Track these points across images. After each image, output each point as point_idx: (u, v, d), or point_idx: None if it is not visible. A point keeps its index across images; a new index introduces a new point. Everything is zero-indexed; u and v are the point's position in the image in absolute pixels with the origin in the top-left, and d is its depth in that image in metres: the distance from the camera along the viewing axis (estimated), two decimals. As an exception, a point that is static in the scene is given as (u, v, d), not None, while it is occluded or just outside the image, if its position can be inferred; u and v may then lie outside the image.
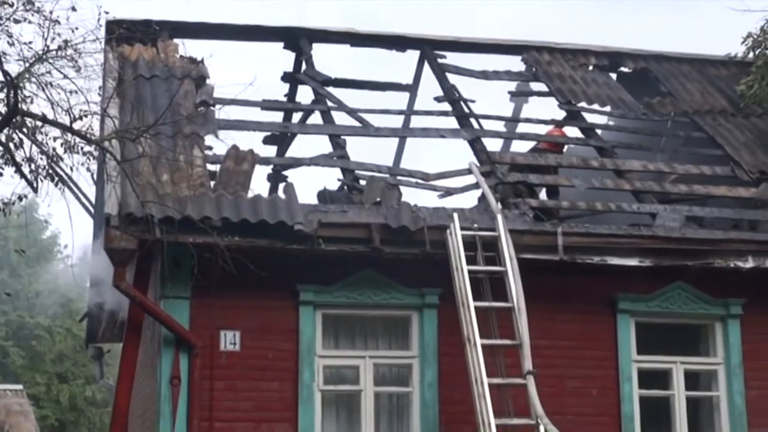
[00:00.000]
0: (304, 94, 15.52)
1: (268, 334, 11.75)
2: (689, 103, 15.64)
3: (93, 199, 13.84)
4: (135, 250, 11.26)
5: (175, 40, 14.93)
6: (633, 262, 12.30)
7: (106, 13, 11.84)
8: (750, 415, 12.73)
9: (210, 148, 12.83)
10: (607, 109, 15.30)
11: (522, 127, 15.21)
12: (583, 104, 15.18)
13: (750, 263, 12.54)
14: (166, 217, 11.04)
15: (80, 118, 11.30)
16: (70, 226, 12.11)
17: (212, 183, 12.14)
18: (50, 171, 11.63)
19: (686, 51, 17.10)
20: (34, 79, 11.31)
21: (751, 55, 15.43)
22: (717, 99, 15.91)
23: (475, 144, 13.94)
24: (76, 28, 11.43)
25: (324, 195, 12.92)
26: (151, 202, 11.13)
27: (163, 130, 12.23)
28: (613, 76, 16.44)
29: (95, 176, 12.81)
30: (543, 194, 15.36)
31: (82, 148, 11.43)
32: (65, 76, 11.33)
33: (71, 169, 11.61)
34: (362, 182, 12.83)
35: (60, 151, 11.42)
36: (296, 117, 15.52)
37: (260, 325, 11.74)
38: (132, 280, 11.66)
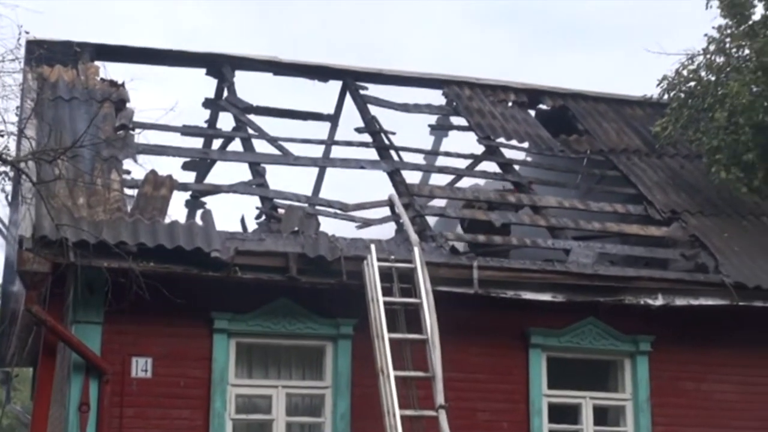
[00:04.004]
0: (225, 121, 15.54)
1: (181, 361, 11.66)
2: (605, 142, 15.92)
3: (6, 221, 13.65)
4: (48, 274, 11.12)
5: (96, 63, 14.88)
6: (546, 297, 12.44)
7: (27, 32, 11.78)
8: (656, 450, 12.93)
9: (128, 172, 12.77)
10: (525, 145, 15.52)
11: (441, 161, 15.36)
12: (501, 140, 15.38)
13: (660, 301, 12.75)
14: (80, 241, 10.92)
15: (-4, 137, 11.18)
16: (-19, 247, 11.94)
17: (129, 207, 12.06)
18: (-37, 191, 11.47)
19: (604, 90, 17.42)
20: (-51, 98, 11.18)
21: (666, 96, 15.75)
22: (632, 139, 16.22)
23: (395, 176, 14.03)
24: (-5, 47, 11.36)
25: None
26: (66, 225, 11.00)
27: (81, 152, 12.14)
28: (532, 112, 16.69)
29: (9, 197, 12.66)
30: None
31: (-4, 168, 11.29)
32: (-18, 96, 11.22)
33: (-15, 189, 11.46)
34: (281, 211, 12.84)
35: (-26, 171, 11.27)
36: (216, 143, 15.49)
37: (173, 352, 11.65)
38: (45, 304, 11.50)
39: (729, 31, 15.33)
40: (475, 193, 14.33)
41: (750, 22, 15.31)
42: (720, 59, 15.29)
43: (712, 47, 15.32)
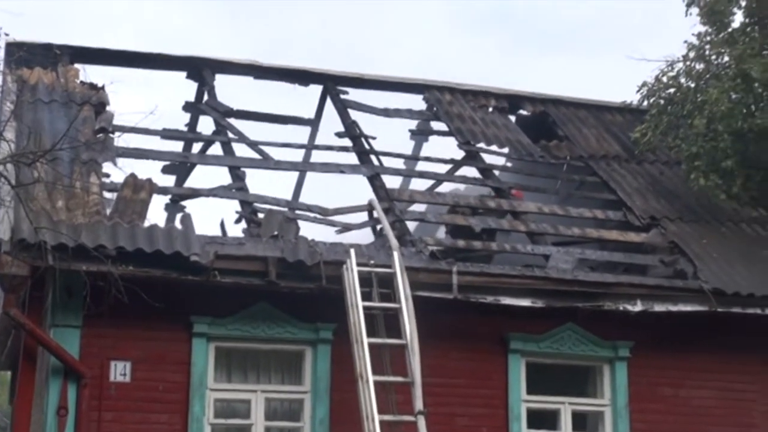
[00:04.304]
0: (206, 125, 15.51)
1: (160, 365, 11.63)
2: (585, 148, 15.97)
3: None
4: (27, 277, 11.08)
5: (76, 65, 14.86)
6: (525, 302, 12.45)
7: (6, 35, 11.73)
8: (635, 456, 12.97)
9: (107, 175, 12.73)
10: (505, 150, 15.55)
11: (421, 166, 15.39)
12: (481, 145, 15.41)
13: (638, 307, 12.77)
14: (59, 244, 10.88)
15: (-26, 140, 11.14)
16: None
17: (108, 211, 12.02)
18: (-59, 194, 11.41)
19: (584, 96, 17.47)
20: (-73, 100, 11.14)
21: (645, 103, 15.83)
22: (612, 145, 16.28)
23: (375, 180, 14.04)
24: (-27, 49, 11.32)
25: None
26: (44, 229, 10.96)
27: (60, 155, 12.08)
28: (512, 118, 16.73)
29: (-12, 200, 12.60)
30: (441, 232, 15.62)
31: (-25, 171, 11.24)
32: (-40, 98, 11.18)
33: (-37, 192, 11.41)
34: (260, 215, 12.83)
35: (-48, 173, 11.22)
36: (196, 147, 15.46)
37: (152, 356, 11.62)
38: (24, 308, 11.45)
39: (708, 39, 15.42)
40: (455, 199, 14.35)
41: (729, 30, 15.41)
42: (699, 66, 15.37)
43: (691, 54, 15.40)
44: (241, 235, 12.60)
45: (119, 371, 11.46)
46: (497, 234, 14.07)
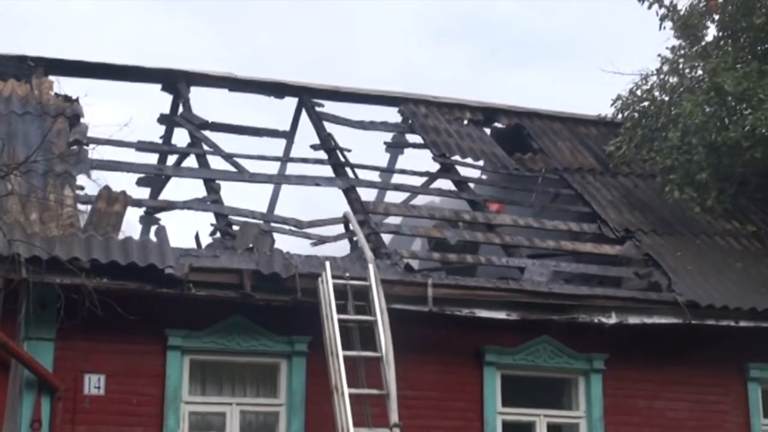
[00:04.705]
0: (180, 137, 15.47)
1: (134, 378, 11.57)
2: (559, 161, 16.02)
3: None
4: (0, 289, 11.02)
5: (51, 77, 14.81)
6: (501, 315, 12.46)
7: (-21, 47, 11.70)
8: (607, 467, 12.99)
9: (82, 188, 12.69)
10: (480, 163, 15.59)
11: (397, 178, 15.40)
12: (456, 157, 15.44)
13: (613, 319, 12.81)
14: (33, 257, 10.82)
15: (-52, 152, 11.08)
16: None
17: (82, 223, 11.97)
18: None
19: (558, 109, 17.54)
20: None
21: (620, 116, 15.93)
22: (586, 157, 16.34)
23: (350, 193, 14.04)
24: (-54, 61, 11.29)
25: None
26: (18, 241, 10.90)
27: (34, 167, 12.06)
28: (487, 130, 16.77)
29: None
30: (416, 245, 15.64)
31: (-52, 184, 11.18)
32: (-67, 110, 11.13)
33: (-64, 204, 11.35)
34: (235, 227, 12.81)
35: (-75, 185, 11.16)
36: (171, 159, 15.42)
37: (126, 369, 11.56)
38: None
39: (682, 52, 15.54)
40: (431, 211, 14.37)
41: (703, 43, 15.53)
42: (673, 79, 15.49)
43: (665, 67, 15.51)
44: (216, 247, 12.57)
45: (93, 384, 11.40)
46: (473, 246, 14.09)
